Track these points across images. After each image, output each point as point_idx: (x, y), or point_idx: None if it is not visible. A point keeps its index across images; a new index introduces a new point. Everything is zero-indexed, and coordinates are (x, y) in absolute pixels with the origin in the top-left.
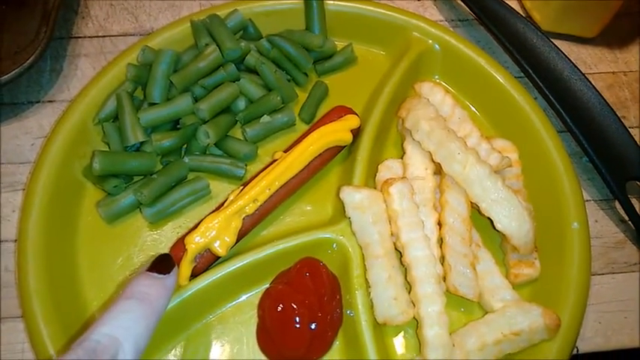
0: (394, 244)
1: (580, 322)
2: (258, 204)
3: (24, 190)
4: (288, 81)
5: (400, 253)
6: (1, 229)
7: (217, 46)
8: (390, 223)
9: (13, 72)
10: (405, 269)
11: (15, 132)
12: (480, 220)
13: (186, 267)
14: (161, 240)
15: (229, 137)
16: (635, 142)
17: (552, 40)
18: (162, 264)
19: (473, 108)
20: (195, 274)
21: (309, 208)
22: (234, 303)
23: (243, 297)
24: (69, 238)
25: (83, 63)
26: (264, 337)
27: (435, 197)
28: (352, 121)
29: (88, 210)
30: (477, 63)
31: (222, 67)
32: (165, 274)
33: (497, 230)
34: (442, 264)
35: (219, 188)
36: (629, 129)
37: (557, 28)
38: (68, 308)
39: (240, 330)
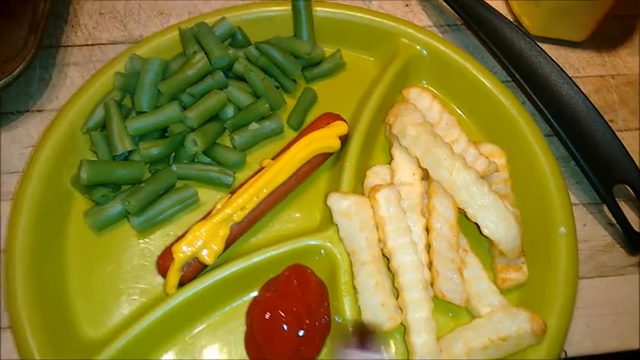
0: (381, 250)
1: (567, 327)
2: (246, 212)
3: (12, 200)
4: (277, 88)
5: (388, 259)
6: None
7: (205, 54)
8: (378, 230)
9: (1, 82)
10: (393, 275)
11: (3, 142)
12: (467, 225)
13: (173, 276)
14: (149, 248)
15: (218, 145)
16: (622, 145)
17: (540, 44)
18: None
19: (461, 113)
20: (182, 283)
21: (297, 215)
22: (222, 311)
23: (232, 305)
24: (57, 247)
25: (72, 72)
26: (252, 345)
27: (423, 203)
28: (340, 128)
29: (76, 219)
30: (464, 68)
31: (210, 75)
32: None
33: (485, 236)
34: (430, 270)
35: (208, 196)
36: (617, 132)
37: (546, 32)
38: (56, 318)
39: (228, 338)
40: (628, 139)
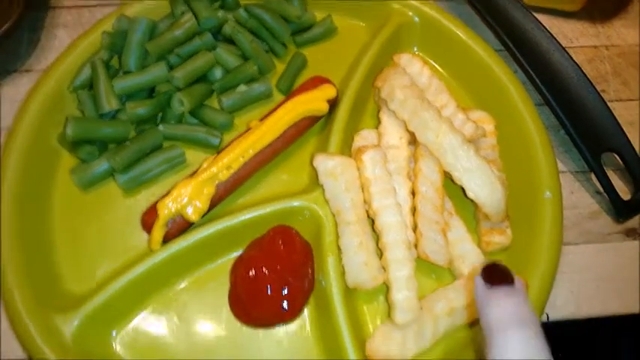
0: (367, 212)
1: (549, 289)
2: (232, 171)
3: None
4: (266, 52)
5: (373, 221)
6: None
7: (193, 14)
8: (363, 191)
9: None
10: (377, 237)
11: None
12: (454, 189)
13: (158, 232)
14: (135, 208)
15: (205, 106)
16: (612, 113)
17: (535, 14)
18: (500, 275)
19: (452, 80)
20: (167, 240)
21: (285, 177)
22: (206, 268)
23: (216, 263)
24: (44, 204)
25: (61, 34)
26: (236, 302)
27: (409, 166)
28: (328, 91)
29: (63, 177)
30: (456, 35)
31: (198, 36)
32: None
33: (469, 198)
34: (414, 232)
35: (195, 157)
36: (608, 102)
37: (540, 2)
38: (41, 273)
39: (212, 295)
40: (619, 110)
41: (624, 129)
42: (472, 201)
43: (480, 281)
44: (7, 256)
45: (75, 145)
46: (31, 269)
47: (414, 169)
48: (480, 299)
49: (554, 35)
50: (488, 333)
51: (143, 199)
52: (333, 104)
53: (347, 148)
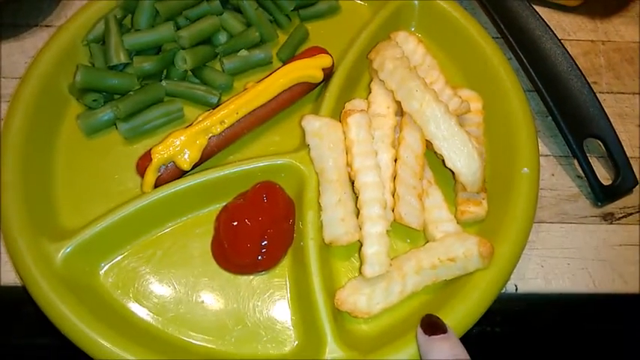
0: (349, 174)
1: (517, 257)
2: (225, 126)
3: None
4: (271, 22)
5: (353, 182)
6: None
7: None
8: (347, 154)
9: None
10: (357, 197)
11: (12, 50)
12: (437, 162)
13: (151, 175)
14: (133, 155)
15: (207, 67)
16: (598, 100)
17: (535, 6)
18: (435, 326)
19: (446, 60)
20: (159, 184)
21: (277, 139)
22: (193, 215)
23: (203, 211)
24: (49, 144)
25: None
26: (218, 248)
27: (394, 135)
28: (324, 60)
29: (69, 124)
30: (453, 18)
31: (206, 1)
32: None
33: (447, 167)
34: (393, 197)
35: (193, 114)
36: (599, 94)
37: None
38: (39, 202)
39: (197, 240)
40: (609, 101)
41: (613, 120)
42: (451, 172)
43: (420, 331)
44: (9, 184)
45: (83, 92)
46: (30, 199)
47: (398, 137)
48: (422, 346)
49: (552, 28)
50: None
51: (141, 147)
52: (329, 74)
53: (338, 116)
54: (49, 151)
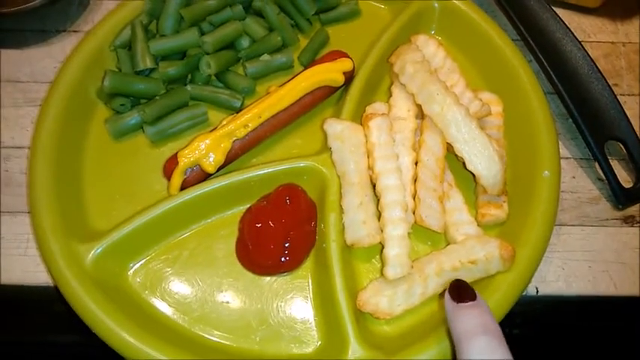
0: (370, 177)
1: (538, 260)
2: (249, 129)
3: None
4: (292, 27)
5: (375, 185)
6: (20, 138)
7: None
8: (368, 157)
9: None
10: (378, 200)
11: (42, 55)
12: (458, 166)
13: (177, 178)
14: (159, 158)
15: (230, 71)
16: (619, 103)
17: (555, 8)
18: (464, 292)
19: (466, 63)
20: (185, 187)
21: (299, 141)
22: (218, 216)
23: (227, 213)
24: (78, 148)
25: None
26: (242, 248)
27: (415, 138)
28: (345, 64)
29: (97, 127)
30: (473, 21)
31: (230, 6)
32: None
33: (468, 170)
34: (414, 199)
35: (217, 117)
36: (620, 96)
37: None
38: (69, 205)
39: (221, 241)
40: (630, 103)
41: (634, 122)
42: (472, 175)
43: (448, 298)
44: (41, 187)
45: (110, 96)
46: (61, 202)
47: (419, 140)
48: (449, 313)
49: (573, 30)
50: (457, 342)
51: (167, 150)
52: (350, 78)
53: (359, 119)
54: (78, 154)
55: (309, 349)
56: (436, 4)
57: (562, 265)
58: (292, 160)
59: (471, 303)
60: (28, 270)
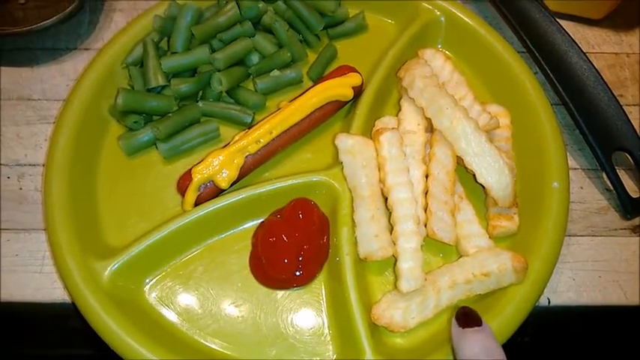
0: (381, 190)
1: (550, 272)
2: (261, 145)
3: (54, 121)
4: (301, 42)
5: (386, 199)
6: (34, 155)
7: (236, 4)
8: (379, 171)
9: (56, 17)
10: (390, 213)
11: (53, 73)
12: (468, 178)
13: (191, 194)
14: (172, 174)
15: (241, 87)
16: (625, 114)
17: (559, 20)
18: (470, 318)
19: (473, 76)
20: (199, 203)
21: (309, 156)
22: (231, 232)
23: (240, 228)
24: (92, 165)
25: (118, 17)
26: (256, 263)
27: (425, 151)
28: (354, 79)
29: (110, 144)
30: (479, 35)
31: (239, 23)
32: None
33: (479, 183)
34: (425, 212)
35: (229, 133)
36: (625, 106)
37: (565, 8)
38: (85, 222)
39: (235, 255)
40: (635, 114)
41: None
42: (482, 187)
43: (454, 323)
44: (57, 205)
45: (123, 114)
46: (77, 219)
47: (429, 154)
48: (455, 337)
49: (577, 41)
50: None
51: (180, 166)
52: (359, 92)
53: (368, 133)
54: (92, 171)
55: None
56: (442, 18)
57: (572, 276)
58: (304, 175)
59: (476, 328)
60: (44, 287)
